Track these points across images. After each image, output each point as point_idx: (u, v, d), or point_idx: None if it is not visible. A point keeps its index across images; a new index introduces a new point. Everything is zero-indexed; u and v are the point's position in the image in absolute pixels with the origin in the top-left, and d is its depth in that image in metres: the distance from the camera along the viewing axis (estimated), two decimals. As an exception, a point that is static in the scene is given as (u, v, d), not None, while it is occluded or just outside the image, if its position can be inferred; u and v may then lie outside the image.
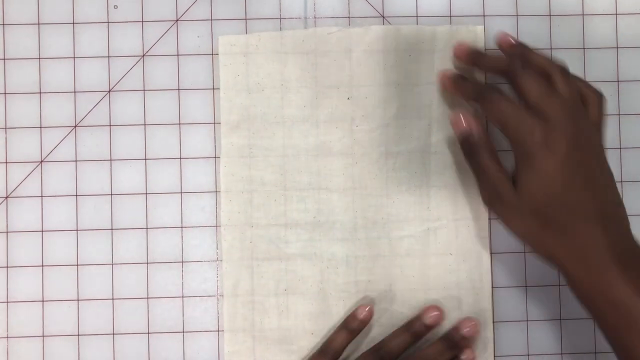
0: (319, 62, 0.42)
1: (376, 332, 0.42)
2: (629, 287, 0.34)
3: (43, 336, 0.42)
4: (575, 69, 0.43)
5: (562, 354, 0.43)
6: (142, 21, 0.43)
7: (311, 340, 0.42)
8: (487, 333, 0.42)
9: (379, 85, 0.42)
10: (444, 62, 0.42)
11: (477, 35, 0.43)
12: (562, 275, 0.37)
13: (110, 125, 0.43)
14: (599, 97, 0.38)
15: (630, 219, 0.40)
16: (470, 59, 0.41)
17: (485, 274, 0.42)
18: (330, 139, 0.42)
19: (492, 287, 0.42)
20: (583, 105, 0.38)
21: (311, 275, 0.42)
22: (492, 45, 0.43)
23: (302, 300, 0.42)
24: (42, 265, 0.43)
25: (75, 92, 0.43)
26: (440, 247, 0.42)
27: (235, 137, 0.42)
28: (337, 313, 0.42)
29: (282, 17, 0.43)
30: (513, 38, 0.40)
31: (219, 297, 0.43)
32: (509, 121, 0.36)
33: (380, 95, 0.42)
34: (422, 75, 0.42)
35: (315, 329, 0.42)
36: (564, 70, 0.38)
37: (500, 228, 0.43)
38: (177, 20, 0.43)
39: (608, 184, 0.37)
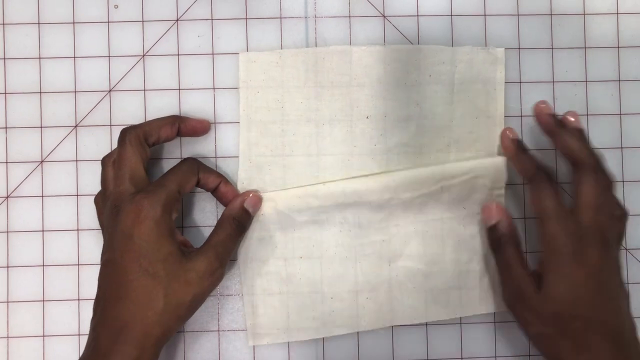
0: (339, 80, 0.42)
1: (395, 291, 0.42)
2: None
3: (43, 336, 0.42)
4: (576, 68, 0.44)
5: (563, 354, 0.43)
6: (143, 21, 0.43)
7: (331, 305, 0.42)
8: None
9: (398, 104, 0.42)
10: (463, 83, 0.42)
11: (498, 58, 0.43)
12: None
13: (110, 125, 0.43)
14: (625, 214, 0.39)
15: (631, 218, 0.40)
16: (550, 129, 0.41)
17: None
18: (348, 157, 0.42)
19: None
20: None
21: (325, 240, 0.42)
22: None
23: (319, 266, 0.42)
24: (43, 265, 0.43)
25: (75, 92, 0.43)
26: (453, 201, 0.42)
27: (253, 155, 0.42)
28: (354, 274, 0.42)
29: (282, 16, 0.43)
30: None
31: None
32: (549, 219, 0.37)
33: (399, 114, 0.42)
34: (442, 96, 0.42)
35: (334, 292, 0.42)
36: (610, 185, 0.39)
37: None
38: (177, 20, 0.43)
39: (625, 304, 0.37)
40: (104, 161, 0.40)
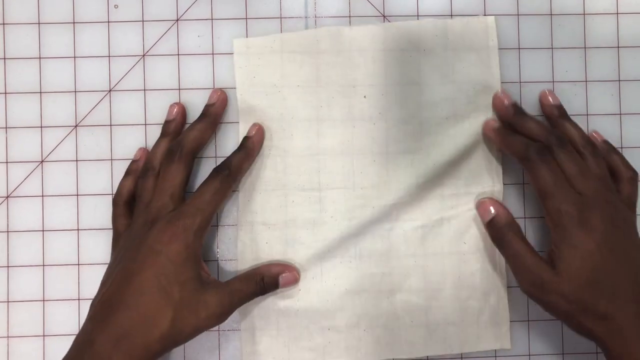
0: (334, 61, 0.42)
1: (394, 325, 0.42)
2: None
3: (43, 336, 0.42)
4: (576, 68, 0.44)
5: (563, 354, 0.43)
6: (143, 21, 0.43)
7: (328, 336, 0.42)
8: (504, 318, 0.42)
9: (395, 81, 0.42)
10: (457, 55, 0.42)
11: (489, 25, 0.43)
12: (600, 349, 0.37)
13: (110, 125, 0.43)
14: (635, 174, 0.39)
15: (632, 218, 0.40)
16: (510, 114, 0.41)
17: (499, 263, 0.42)
18: (348, 138, 0.42)
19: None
20: (615, 182, 0.39)
21: (325, 272, 0.42)
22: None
23: (317, 298, 0.42)
24: (43, 265, 0.43)
25: (75, 91, 0.43)
26: (454, 234, 0.42)
27: None
28: (353, 308, 0.42)
29: (282, 16, 0.43)
30: (554, 98, 0.42)
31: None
32: (550, 193, 0.37)
33: (396, 92, 0.42)
34: (438, 70, 0.42)
35: (332, 324, 0.42)
36: (595, 149, 0.39)
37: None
38: (177, 20, 0.43)
39: None
40: (144, 169, 0.40)
